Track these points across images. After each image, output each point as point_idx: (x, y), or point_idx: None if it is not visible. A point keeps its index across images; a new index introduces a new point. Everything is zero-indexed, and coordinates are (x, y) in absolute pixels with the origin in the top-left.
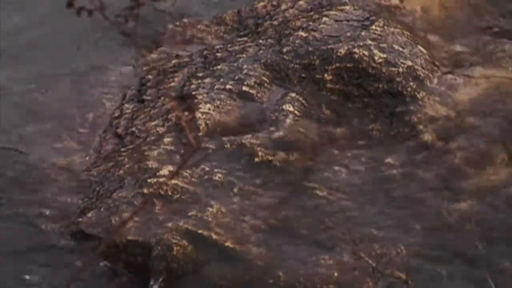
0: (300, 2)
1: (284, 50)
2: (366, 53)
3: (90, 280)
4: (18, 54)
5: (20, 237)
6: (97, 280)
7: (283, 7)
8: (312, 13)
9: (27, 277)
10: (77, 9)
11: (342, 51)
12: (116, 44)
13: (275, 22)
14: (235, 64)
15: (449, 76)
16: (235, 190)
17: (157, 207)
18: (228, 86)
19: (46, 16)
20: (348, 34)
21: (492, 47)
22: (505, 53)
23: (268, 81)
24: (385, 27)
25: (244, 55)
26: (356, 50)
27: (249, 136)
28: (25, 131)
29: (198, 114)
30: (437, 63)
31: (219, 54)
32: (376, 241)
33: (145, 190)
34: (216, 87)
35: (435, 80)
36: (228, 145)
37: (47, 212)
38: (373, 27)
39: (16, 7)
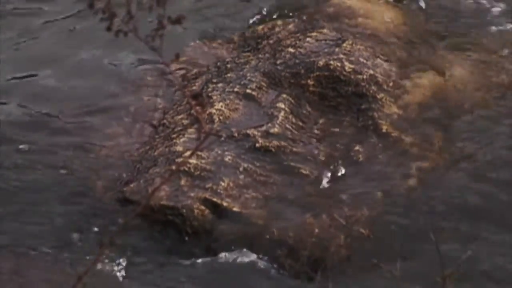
0: (289, 26)
1: (278, 62)
2: (339, 64)
3: (131, 232)
4: (76, 64)
5: (78, 201)
6: (136, 233)
7: (277, 29)
8: (298, 34)
9: (82, 234)
10: (115, 31)
11: (321, 63)
12: (148, 57)
13: (271, 41)
14: (241, 73)
15: (402, 80)
16: (241, 169)
17: (182, 181)
18: (235, 89)
19: (92, 39)
20: (326, 50)
21: (438, 55)
22: (448, 61)
23: (265, 85)
24: (353, 45)
25: (247, 66)
26: (331, 62)
27: (252, 127)
28: (83, 120)
29: (213, 110)
30: (393, 70)
31: (228, 65)
32: (346, 205)
33: (173, 167)
34: (226, 90)
35: (391, 84)
36: (236, 134)
37: (100, 182)
38: (344, 45)
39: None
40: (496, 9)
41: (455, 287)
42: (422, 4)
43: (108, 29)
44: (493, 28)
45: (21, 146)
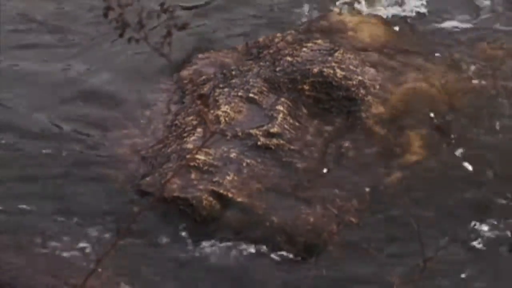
0: (288, 38)
1: (277, 69)
2: (331, 71)
3: (146, 221)
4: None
5: (97, 193)
6: (151, 221)
7: (276, 40)
8: (295, 44)
9: (101, 222)
10: (128, 39)
11: (315, 70)
12: (158, 64)
13: (271, 51)
14: (244, 79)
15: (387, 84)
16: (244, 164)
17: (192, 175)
18: (239, 94)
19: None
20: (320, 59)
21: (417, 63)
22: (426, 68)
23: (266, 90)
24: (344, 54)
25: (250, 73)
26: (325, 69)
27: (254, 127)
28: (103, 121)
29: (219, 112)
30: (379, 76)
31: (233, 72)
32: (338, 197)
33: (184, 163)
34: (231, 94)
35: (377, 89)
36: (240, 134)
37: (119, 176)
38: (336, 54)
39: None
40: (472, 26)
41: (434, 271)
42: (407, 20)
43: (121, 36)
44: (469, 42)
45: (44, 151)
